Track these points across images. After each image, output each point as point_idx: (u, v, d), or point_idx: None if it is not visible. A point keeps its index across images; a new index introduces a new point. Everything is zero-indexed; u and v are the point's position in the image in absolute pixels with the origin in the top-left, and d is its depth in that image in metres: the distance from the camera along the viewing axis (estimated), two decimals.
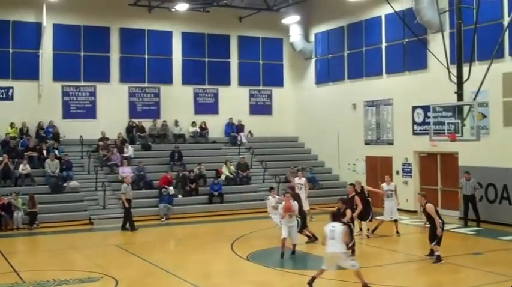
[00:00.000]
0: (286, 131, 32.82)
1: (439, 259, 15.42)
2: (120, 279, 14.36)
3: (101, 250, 19.18)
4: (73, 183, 25.11)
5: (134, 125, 29.50)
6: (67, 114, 28.52)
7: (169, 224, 23.97)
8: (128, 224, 22.10)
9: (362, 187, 19.68)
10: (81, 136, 27.67)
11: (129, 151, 27.62)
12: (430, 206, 15.73)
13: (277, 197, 19.65)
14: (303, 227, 18.45)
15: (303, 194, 21.16)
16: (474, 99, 19.87)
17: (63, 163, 25.55)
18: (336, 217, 13.77)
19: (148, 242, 20.60)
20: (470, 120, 20.36)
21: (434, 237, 15.53)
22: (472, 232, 20.42)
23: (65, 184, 24.93)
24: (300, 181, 22.65)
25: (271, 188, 20.87)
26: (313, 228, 18.93)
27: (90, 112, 28.94)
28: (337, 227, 13.08)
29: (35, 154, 25.80)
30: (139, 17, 29.75)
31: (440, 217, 15.70)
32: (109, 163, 26.75)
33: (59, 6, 27.57)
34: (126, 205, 21.85)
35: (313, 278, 13.18)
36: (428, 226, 16.07)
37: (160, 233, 22.55)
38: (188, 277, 14.63)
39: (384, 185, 20.33)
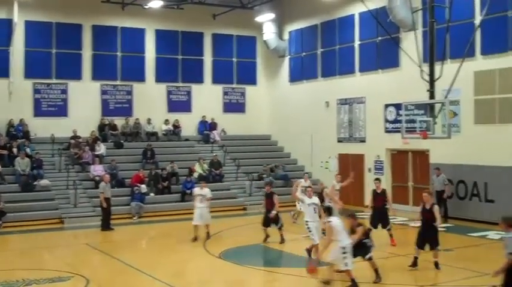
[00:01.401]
0: (259, 129, 32.81)
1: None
2: (91, 278, 14.21)
3: (71, 249, 18.96)
4: (44, 181, 24.80)
5: (106, 123, 29.26)
6: (38, 112, 28.16)
7: (141, 223, 23.80)
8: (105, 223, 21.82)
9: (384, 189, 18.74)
10: (52, 134, 27.39)
11: (101, 149, 27.37)
12: (437, 208, 15.00)
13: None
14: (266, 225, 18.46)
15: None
16: (446, 97, 20.06)
17: (33, 161, 25.21)
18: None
19: (120, 241, 20.47)
20: (441, 118, 20.53)
21: (438, 241, 14.73)
22: (443, 229, 20.55)
23: (35, 183, 24.60)
24: (305, 183, 22.11)
25: (203, 179, 20.78)
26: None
27: (61, 110, 28.62)
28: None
29: (5, 152, 25.42)
30: (112, 14, 29.50)
31: None
32: (80, 161, 26.50)
33: (31, 3, 27.24)
34: (105, 204, 21.58)
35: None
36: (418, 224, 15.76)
37: (132, 232, 22.38)
38: (160, 275, 14.53)
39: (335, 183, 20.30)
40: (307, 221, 15.80)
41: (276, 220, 18.36)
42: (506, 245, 10.39)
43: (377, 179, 18.81)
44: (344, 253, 12.76)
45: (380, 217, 17.87)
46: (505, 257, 10.33)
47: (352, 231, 13.34)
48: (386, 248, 17.36)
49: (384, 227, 17.84)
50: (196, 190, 19.96)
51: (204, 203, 19.17)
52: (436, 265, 14.75)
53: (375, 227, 17.80)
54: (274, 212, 18.22)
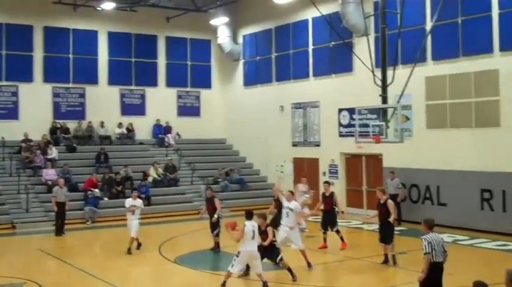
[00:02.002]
0: (214, 133, 32.75)
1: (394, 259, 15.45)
2: (43, 284, 14.01)
3: (24, 255, 18.55)
4: None
5: (58, 126, 28.80)
6: None
7: (94, 228, 23.52)
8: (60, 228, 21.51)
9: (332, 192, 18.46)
10: (2, 137, 26.87)
11: (53, 152, 26.95)
12: (391, 202, 15.47)
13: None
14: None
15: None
16: (398, 102, 20.33)
17: None
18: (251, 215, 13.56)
19: (74, 246, 20.21)
20: (394, 122, 20.78)
21: (391, 238, 15.35)
22: (396, 232, 20.81)
23: None
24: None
25: (134, 189, 20.41)
26: None
27: (12, 113, 28.06)
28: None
29: None
30: (64, 16, 29.05)
31: None
32: (32, 165, 26.04)
33: None
34: (55, 208, 21.28)
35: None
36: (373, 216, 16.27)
37: (85, 237, 22.08)
38: (114, 281, 14.41)
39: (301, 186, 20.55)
40: (280, 225, 15.83)
41: (215, 225, 17.99)
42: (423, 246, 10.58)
43: (326, 182, 19.05)
44: (237, 256, 13.06)
45: (329, 220, 18.06)
46: (422, 258, 10.45)
47: (261, 231, 13.59)
48: (340, 251, 17.54)
49: (331, 228, 17.99)
50: (130, 201, 18.48)
51: (137, 214, 18.37)
52: (393, 257, 15.27)
53: (326, 229, 17.99)
54: (215, 217, 18.01)
